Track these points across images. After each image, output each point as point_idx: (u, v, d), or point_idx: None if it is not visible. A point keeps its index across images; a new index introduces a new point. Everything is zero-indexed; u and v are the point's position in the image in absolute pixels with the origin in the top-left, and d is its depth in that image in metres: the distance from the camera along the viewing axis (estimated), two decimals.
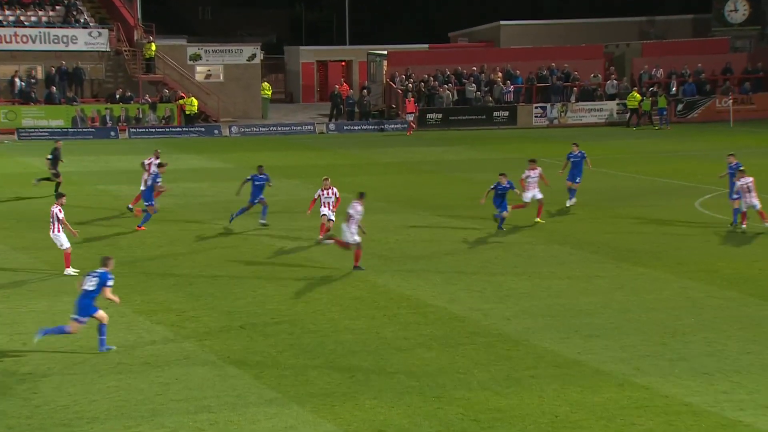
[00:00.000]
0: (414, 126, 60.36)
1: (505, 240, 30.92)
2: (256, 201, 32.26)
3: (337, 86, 67.08)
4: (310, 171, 43.52)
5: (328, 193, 30.04)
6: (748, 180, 30.86)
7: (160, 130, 60.78)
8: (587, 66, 64.18)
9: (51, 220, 26.58)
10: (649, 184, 40.86)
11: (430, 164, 45.81)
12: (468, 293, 25.06)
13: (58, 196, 27.58)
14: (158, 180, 32.46)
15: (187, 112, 62.30)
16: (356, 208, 26.92)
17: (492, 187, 31.47)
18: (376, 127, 62.05)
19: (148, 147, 55.08)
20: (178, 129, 60.93)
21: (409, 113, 60.30)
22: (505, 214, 31.55)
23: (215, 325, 22.40)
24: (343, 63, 76.33)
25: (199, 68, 66.67)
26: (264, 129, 62.03)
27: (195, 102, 62.61)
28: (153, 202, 32.12)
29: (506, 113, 62.32)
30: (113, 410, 17.44)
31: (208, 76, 66.88)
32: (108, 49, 64.15)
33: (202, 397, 18.07)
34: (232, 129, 61.42)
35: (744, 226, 31.14)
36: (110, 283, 20.51)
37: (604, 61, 65.57)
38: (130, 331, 21.89)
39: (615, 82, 63.36)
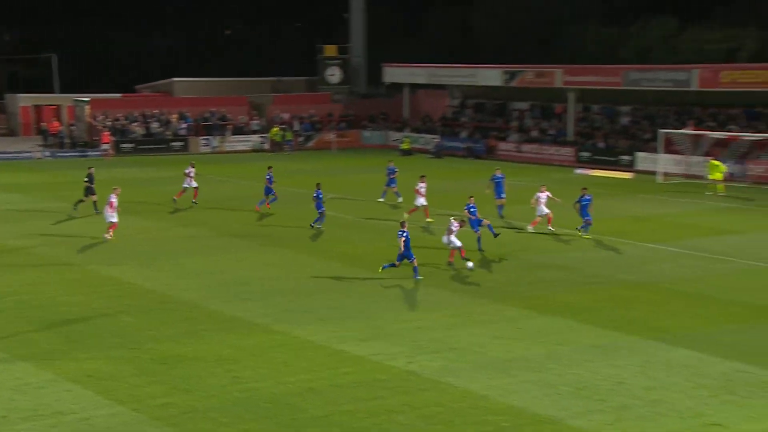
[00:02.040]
0: (112, 153, 57.90)
1: (182, 232, 30.24)
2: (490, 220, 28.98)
3: (45, 123, 63.36)
4: (29, 187, 40.67)
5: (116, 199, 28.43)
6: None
7: None
8: (237, 110, 64.35)
9: None
10: (282, 193, 41.38)
11: (129, 180, 43.90)
12: (158, 273, 24.35)
13: None
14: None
15: None
16: (454, 225, 24.77)
17: (577, 200, 28.75)
18: (80, 153, 58.85)
19: None
20: None
21: (105, 143, 58.11)
22: (587, 220, 28.45)
23: None
24: (54, 107, 71.52)
25: None
26: None
27: None
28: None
29: (181, 143, 61.26)
30: None
31: None
32: None
33: None
34: None
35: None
36: (404, 235, 22.43)
37: (249, 107, 65.85)
38: None
39: (257, 121, 63.85)
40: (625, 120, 53.23)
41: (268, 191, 34.62)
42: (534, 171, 48.32)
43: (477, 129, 60.06)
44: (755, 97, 46.92)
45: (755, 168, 43.86)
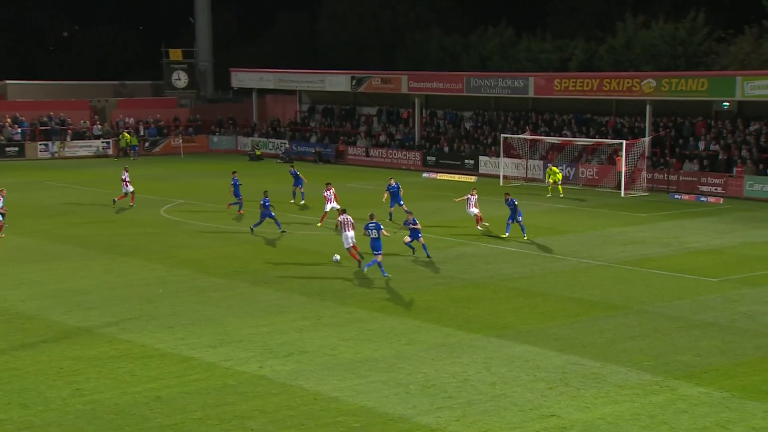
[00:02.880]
0: None
1: (18, 241, 28.66)
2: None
3: None
4: None
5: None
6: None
7: None
8: (78, 115, 61.63)
9: None
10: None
11: None
12: None
13: None
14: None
15: None
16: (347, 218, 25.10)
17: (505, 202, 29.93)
18: None
19: None
20: None
21: None
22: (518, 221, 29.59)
23: None
24: None
25: None
26: None
27: None
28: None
29: (16, 149, 57.97)
30: None
31: None
32: None
33: None
34: None
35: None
36: (382, 228, 23.80)
37: (90, 111, 63.25)
38: None
39: (99, 126, 61.38)
40: (468, 125, 54.94)
41: (237, 195, 34.55)
42: (383, 175, 48.99)
43: (326, 134, 60.32)
44: (584, 104, 49.60)
45: (586, 171, 46.32)
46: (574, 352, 17.79)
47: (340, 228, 25.09)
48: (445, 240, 29.79)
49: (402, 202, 32.66)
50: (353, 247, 24.96)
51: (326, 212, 32.15)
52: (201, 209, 36.98)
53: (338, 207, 31.93)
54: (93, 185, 44.11)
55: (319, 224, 31.82)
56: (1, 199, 28.97)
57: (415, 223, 26.30)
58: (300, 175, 37.94)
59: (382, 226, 24.16)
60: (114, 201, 36.79)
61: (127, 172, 37.14)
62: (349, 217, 25.18)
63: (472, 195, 31.40)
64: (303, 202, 36.84)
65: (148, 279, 23.92)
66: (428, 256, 26.48)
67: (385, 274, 23.83)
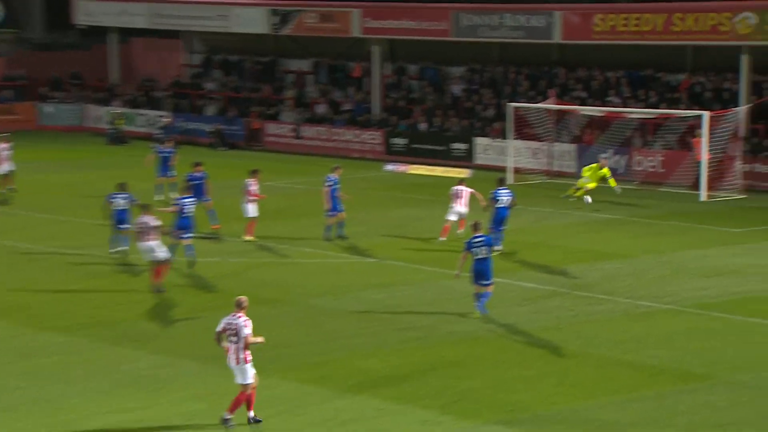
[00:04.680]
0: None
1: None
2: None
3: None
4: None
5: None
6: None
7: None
8: None
9: None
10: None
11: None
12: None
13: None
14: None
15: None
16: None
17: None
18: None
19: None
20: None
21: None
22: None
23: None
24: None
25: None
26: None
27: None
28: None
29: None
30: None
31: None
32: None
33: None
34: None
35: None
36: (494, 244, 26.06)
37: None
38: None
39: None
40: (456, 88, 55.20)
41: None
42: (319, 166, 48.87)
43: (231, 102, 60.23)
44: (643, 54, 49.85)
45: (645, 160, 46.50)
46: None
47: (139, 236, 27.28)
48: (419, 269, 29.81)
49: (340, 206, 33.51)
50: (160, 263, 26.95)
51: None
52: (29, 221, 36.74)
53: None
54: None
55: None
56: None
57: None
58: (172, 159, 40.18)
59: (493, 240, 25.30)
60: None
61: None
62: (152, 219, 27.41)
63: (459, 187, 32.76)
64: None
65: None
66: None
67: (485, 311, 25.14)
